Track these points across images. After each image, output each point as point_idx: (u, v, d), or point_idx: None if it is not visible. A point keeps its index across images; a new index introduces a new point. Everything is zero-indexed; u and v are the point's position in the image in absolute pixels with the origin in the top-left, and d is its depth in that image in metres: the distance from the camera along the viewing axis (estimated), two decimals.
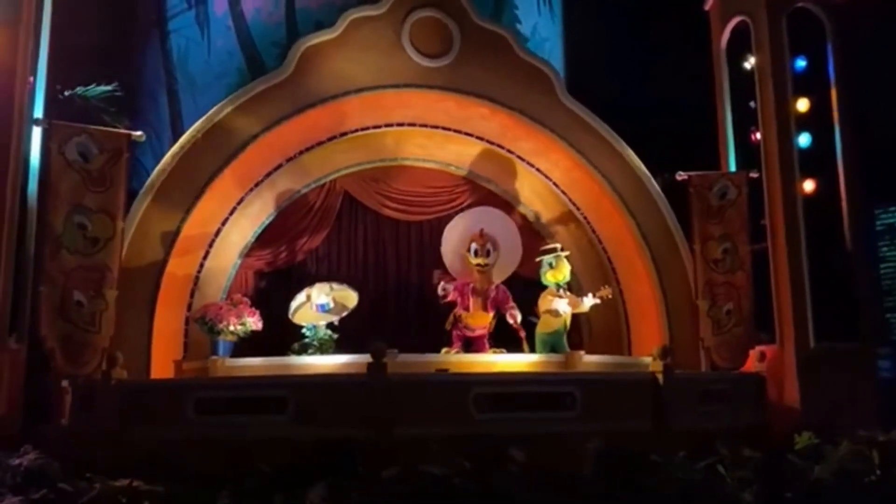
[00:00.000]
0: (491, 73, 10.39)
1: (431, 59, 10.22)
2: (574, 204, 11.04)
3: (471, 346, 9.29)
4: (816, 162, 10.78)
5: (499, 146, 10.85)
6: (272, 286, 10.43)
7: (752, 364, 10.20)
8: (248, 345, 9.41)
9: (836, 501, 6.55)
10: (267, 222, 10.36)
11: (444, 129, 10.62)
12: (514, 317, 9.38)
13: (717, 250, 10.59)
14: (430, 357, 8.38)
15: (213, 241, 9.76)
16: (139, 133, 9.02)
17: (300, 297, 9.19)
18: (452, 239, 9.84)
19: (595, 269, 11.12)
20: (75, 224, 8.55)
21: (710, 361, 10.37)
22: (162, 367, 9.04)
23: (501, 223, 9.98)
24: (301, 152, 10.22)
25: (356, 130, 10.35)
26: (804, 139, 10.81)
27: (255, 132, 9.58)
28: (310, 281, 9.95)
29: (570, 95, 12.59)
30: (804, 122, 10.85)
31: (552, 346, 9.56)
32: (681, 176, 10.76)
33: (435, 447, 6.46)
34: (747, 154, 11.18)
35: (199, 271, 9.66)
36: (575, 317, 11.03)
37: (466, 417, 7.14)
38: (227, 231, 9.96)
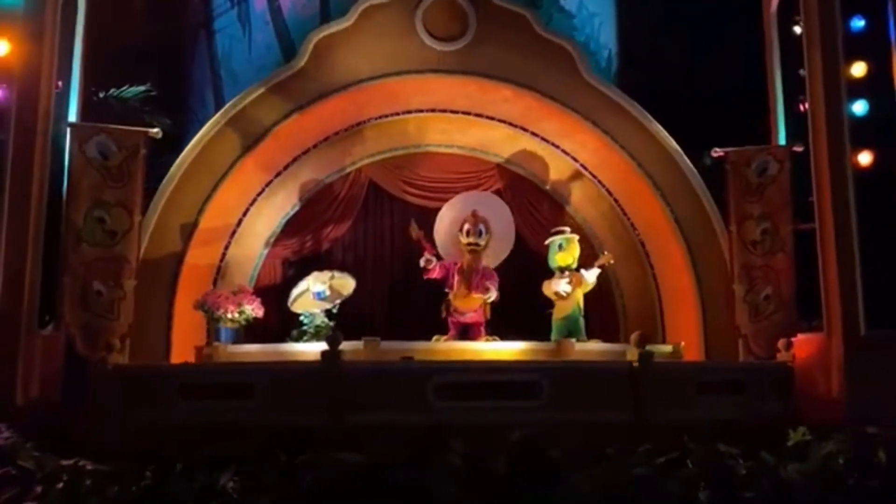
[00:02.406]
0: (510, 53, 10.17)
1: (447, 43, 10.12)
2: (603, 185, 10.65)
3: (466, 333, 9.20)
4: (874, 132, 9.83)
5: (522, 129, 10.62)
6: (301, 274, 10.61)
7: (803, 350, 9.57)
8: (273, 332, 9.73)
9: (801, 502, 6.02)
10: (292, 212, 10.61)
11: (464, 113, 10.52)
12: (487, 290, 9.29)
13: (755, 231, 9.93)
14: (415, 344, 8.35)
15: (235, 231, 10.09)
16: (156, 130, 9.49)
17: (301, 286, 9.40)
18: (445, 220, 9.83)
19: (628, 252, 10.69)
20: (95, 218, 9.10)
21: (748, 350, 9.78)
22: (185, 352, 9.44)
23: (496, 208, 9.88)
24: (321, 142, 10.40)
25: (375, 119, 10.43)
26: (860, 107, 9.86)
27: (268, 125, 9.82)
28: (338, 269, 10.15)
29: (623, 72, 12.23)
30: (860, 89, 9.91)
31: (569, 332, 9.34)
32: (716, 152, 10.16)
33: (381, 435, 6.47)
34: (802, 128, 10.36)
35: (221, 261, 10.02)
36: (610, 303, 10.77)
37: (425, 406, 7.08)
38: (252, 221, 10.29)
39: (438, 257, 9.60)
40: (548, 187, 10.94)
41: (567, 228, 9.78)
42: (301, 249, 10.64)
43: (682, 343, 9.54)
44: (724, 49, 12.15)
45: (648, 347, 9.24)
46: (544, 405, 7.22)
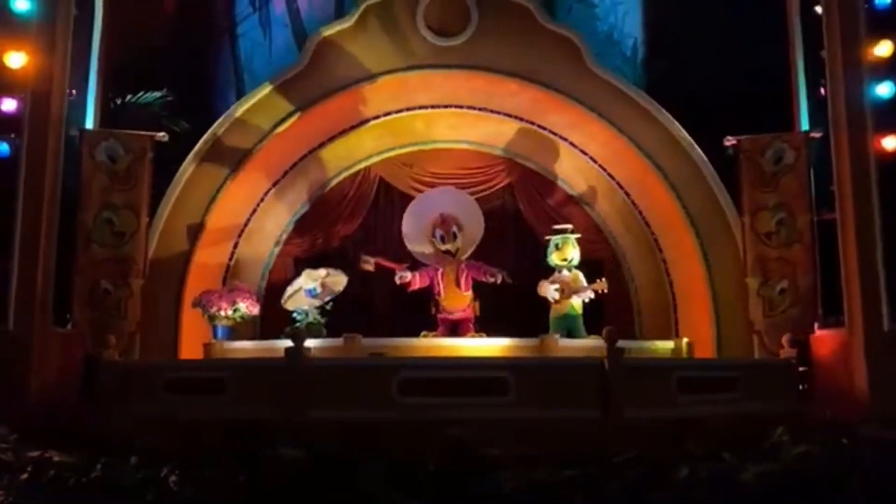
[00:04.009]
0: (514, 46, 10.05)
1: (449, 38, 10.05)
2: (613, 178, 10.38)
3: (456, 330, 9.11)
4: None
5: (529, 122, 10.46)
6: None
7: (827, 347, 9.16)
8: None
9: None
10: (302, 211, 10.73)
11: (469, 108, 10.43)
12: (495, 275, 9.13)
13: (769, 222, 9.54)
14: (397, 341, 8.32)
15: (243, 230, 10.28)
16: (162, 133, 9.82)
17: (295, 284, 9.49)
18: (412, 229, 9.73)
19: (642, 246, 10.43)
20: (104, 220, 9.52)
21: (763, 346, 9.37)
22: (194, 349, 9.68)
23: (459, 200, 9.76)
24: (327, 141, 10.48)
25: (380, 116, 10.43)
26: (885, 89, 9.22)
27: (273, 125, 9.95)
28: (349, 267, 10.26)
29: (650, 60, 11.94)
30: (886, 70, 9.26)
31: (568, 331, 9.17)
32: (729, 141, 9.76)
33: (344, 431, 6.49)
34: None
35: (230, 260, 10.23)
36: (625, 297, 10.53)
37: (388, 402, 7.04)
38: (262, 221, 10.46)
39: (412, 268, 9.51)
40: (559, 181, 10.73)
41: (569, 227, 9.62)
42: (312, 247, 10.74)
43: (685, 339, 9.22)
44: (753, 35, 11.67)
45: (650, 344, 9.10)
46: (511, 402, 7.07)
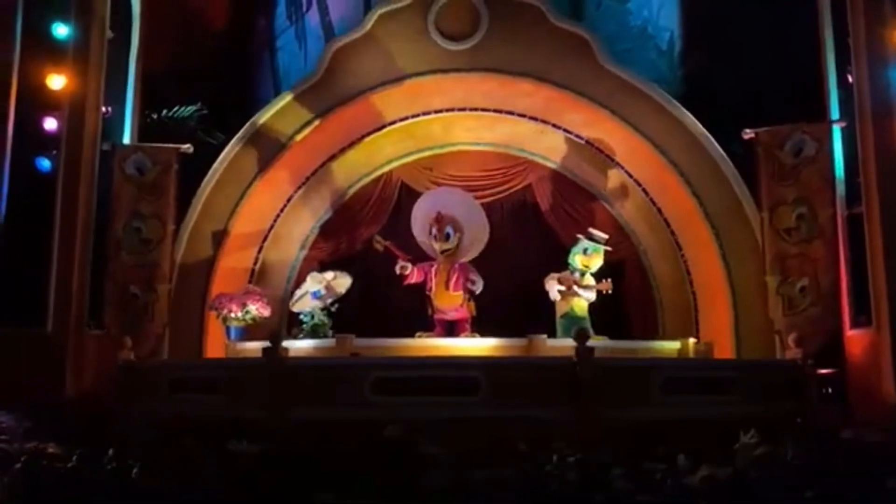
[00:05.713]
0: (525, 47, 10.01)
1: (460, 42, 10.09)
2: (631, 175, 10.15)
3: (452, 330, 9.11)
4: None
5: (547, 122, 10.36)
6: None
7: (858, 347, 8.80)
8: None
9: None
10: (327, 216, 10.98)
11: (484, 110, 10.43)
12: (475, 283, 9.17)
13: (789, 217, 9.13)
14: (391, 341, 8.41)
15: (267, 236, 10.61)
16: (187, 146, 10.24)
17: (303, 287, 9.71)
18: (416, 227, 9.74)
19: (663, 244, 10.16)
20: (133, 228, 10.00)
21: (784, 346, 8.95)
22: (220, 350, 10.05)
23: (460, 201, 9.67)
24: (348, 147, 10.68)
25: (397, 121, 10.55)
26: None
27: (292, 134, 10.24)
28: (369, 270, 10.47)
29: (686, 53, 11.68)
30: None
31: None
32: (747, 134, 9.38)
33: (309, 429, 6.68)
34: None
35: (255, 264, 10.58)
36: (649, 296, 10.32)
37: (362, 401, 7.15)
38: (288, 226, 10.76)
39: (413, 262, 9.56)
40: (578, 180, 10.59)
41: (605, 237, 9.49)
42: (336, 251, 10.96)
43: (692, 339, 8.95)
44: (791, 25, 11.16)
45: (655, 344, 8.87)
46: (481, 401, 7.04)
